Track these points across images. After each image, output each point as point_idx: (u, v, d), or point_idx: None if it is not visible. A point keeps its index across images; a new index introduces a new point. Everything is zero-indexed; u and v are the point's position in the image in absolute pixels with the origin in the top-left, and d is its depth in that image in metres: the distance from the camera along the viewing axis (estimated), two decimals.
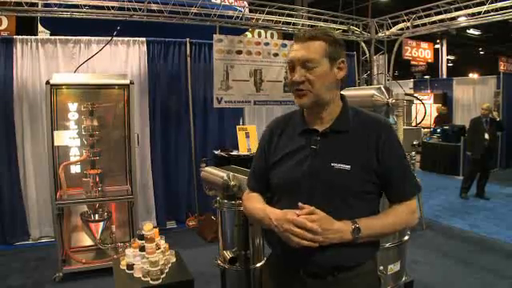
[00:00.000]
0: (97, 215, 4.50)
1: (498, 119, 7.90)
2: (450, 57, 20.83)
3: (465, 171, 8.42)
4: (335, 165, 1.55)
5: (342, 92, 1.72)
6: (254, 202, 1.77)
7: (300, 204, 1.50)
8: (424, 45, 11.68)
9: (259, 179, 1.80)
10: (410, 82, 14.33)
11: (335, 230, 1.48)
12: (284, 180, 1.65)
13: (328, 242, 1.47)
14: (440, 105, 12.50)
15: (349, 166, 1.54)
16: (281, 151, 1.69)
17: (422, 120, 4.27)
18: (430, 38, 12.40)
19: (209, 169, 2.85)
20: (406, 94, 3.61)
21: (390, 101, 2.95)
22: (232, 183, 2.52)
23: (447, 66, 18.81)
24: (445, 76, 17.52)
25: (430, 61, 12.39)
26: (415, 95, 6.38)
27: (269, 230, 1.61)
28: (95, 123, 4.42)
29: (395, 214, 1.61)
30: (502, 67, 14.78)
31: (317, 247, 1.46)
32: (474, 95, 12.46)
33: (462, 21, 6.84)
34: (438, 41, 17.51)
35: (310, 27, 7.19)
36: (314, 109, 1.63)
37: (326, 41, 1.57)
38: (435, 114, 12.20)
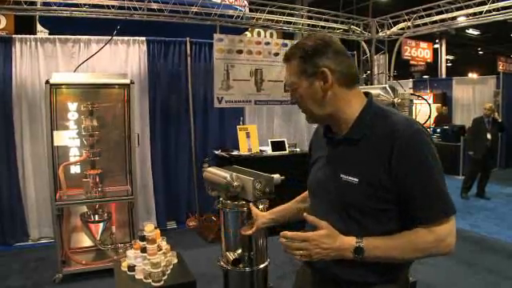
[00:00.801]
0: (97, 216, 4.46)
1: (499, 120, 7.88)
2: (448, 57, 20.82)
3: (465, 171, 8.40)
4: (343, 176, 1.44)
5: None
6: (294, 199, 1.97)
7: (305, 214, 1.49)
8: (423, 44, 11.69)
9: None
10: (410, 82, 14.31)
11: (336, 248, 1.40)
12: (308, 185, 1.69)
13: (329, 259, 1.42)
14: (440, 104, 12.49)
15: (357, 179, 1.40)
16: (313, 156, 1.71)
17: (428, 120, 4.25)
18: (429, 37, 12.39)
19: (211, 169, 2.81)
20: (412, 94, 3.59)
21: (395, 100, 2.92)
22: (235, 184, 2.48)
23: (446, 66, 18.80)
24: (444, 76, 17.52)
25: (429, 61, 12.40)
26: (421, 96, 6.36)
27: None
28: (95, 123, 4.37)
29: (411, 239, 1.38)
30: (500, 67, 14.81)
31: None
32: (473, 95, 12.45)
33: (463, 20, 6.83)
34: (437, 41, 17.50)
35: (310, 27, 7.18)
36: (325, 123, 1.60)
37: (299, 57, 1.47)
38: (435, 113, 12.19)
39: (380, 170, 1.37)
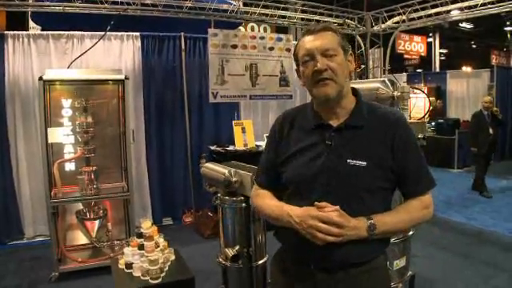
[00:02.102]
0: (92, 213, 4.43)
1: (500, 117, 7.64)
2: (442, 50, 20.83)
3: (476, 169, 7.87)
4: (350, 161, 1.52)
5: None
6: (267, 199, 1.73)
7: (316, 203, 1.47)
8: (417, 38, 11.68)
9: (269, 174, 1.76)
10: (404, 76, 14.30)
11: (352, 227, 1.45)
12: (297, 176, 1.61)
13: (345, 240, 1.45)
14: (433, 98, 12.51)
15: (364, 163, 1.51)
16: (293, 146, 1.65)
17: (427, 113, 4.25)
18: (422, 31, 12.38)
19: (209, 165, 2.80)
20: (412, 87, 3.57)
21: (395, 94, 2.91)
22: (234, 179, 2.48)
23: (440, 60, 18.82)
24: (438, 69, 17.53)
25: (422, 54, 12.40)
26: (421, 89, 6.35)
27: (281, 226, 1.60)
28: (89, 119, 4.32)
29: (409, 210, 1.59)
30: (494, 60, 14.85)
31: (330, 244, 1.44)
32: (467, 88, 12.47)
33: (458, 14, 6.83)
34: (430, 34, 17.50)
35: (304, 21, 7.15)
36: (329, 103, 1.58)
37: (337, 33, 1.60)
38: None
39: (386, 153, 1.55)
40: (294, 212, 1.51)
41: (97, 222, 4.43)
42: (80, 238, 4.73)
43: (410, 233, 3.23)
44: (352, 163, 1.51)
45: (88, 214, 4.42)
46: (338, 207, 1.45)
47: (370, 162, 1.51)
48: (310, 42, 1.57)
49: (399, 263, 3.05)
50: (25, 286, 4.13)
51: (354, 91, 1.67)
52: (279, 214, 1.59)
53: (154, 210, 5.99)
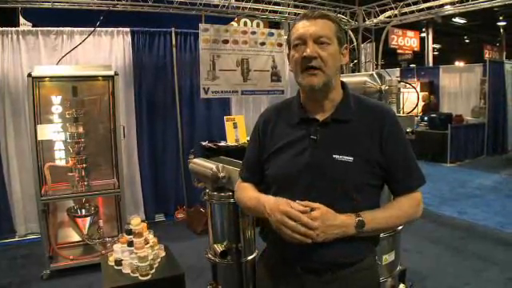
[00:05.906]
0: (83, 210, 4.41)
1: None
2: (435, 45, 20.86)
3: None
4: (337, 156, 1.46)
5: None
6: (248, 191, 1.69)
7: (297, 201, 1.41)
8: (410, 33, 11.68)
9: (253, 170, 1.71)
10: (397, 71, 14.30)
11: (339, 225, 1.40)
12: (282, 172, 1.56)
13: (332, 238, 1.39)
14: (427, 93, 12.53)
15: (351, 158, 1.45)
16: (277, 141, 1.59)
17: (415, 108, 4.24)
18: (415, 26, 12.38)
19: (197, 160, 2.78)
20: (400, 81, 3.55)
21: (383, 87, 2.90)
22: (221, 175, 2.46)
23: (433, 55, 18.84)
24: (431, 64, 17.55)
25: (416, 49, 12.41)
26: (409, 83, 6.34)
27: (264, 223, 1.56)
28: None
29: (399, 207, 1.53)
30: (486, 55, 14.92)
31: (316, 243, 1.38)
32: (460, 83, 12.50)
33: (450, 8, 6.83)
34: (423, 29, 17.53)
35: (296, 16, 7.12)
36: (315, 93, 1.51)
37: (334, 22, 1.51)
38: (421, 102, 12.20)
39: (374, 147, 1.49)
40: (267, 203, 1.47)
41: (88, 219, 4.41)
42: (71, 236, 4.71)
43: (400, 227, 3.23)
44: (338, 159, 1.45)
45: (79, 211, 4.40)
46: (317, 204, 1.39)
47: (357, 157, 1.45)
48: (304, 26, 1.48)
49: (388, 258, 3.04)
50: (16, 283, 4.11)
51: (342, 84, 1.61)
52: (256, 205, 1.55)
53: (146, 207, 5.98)
